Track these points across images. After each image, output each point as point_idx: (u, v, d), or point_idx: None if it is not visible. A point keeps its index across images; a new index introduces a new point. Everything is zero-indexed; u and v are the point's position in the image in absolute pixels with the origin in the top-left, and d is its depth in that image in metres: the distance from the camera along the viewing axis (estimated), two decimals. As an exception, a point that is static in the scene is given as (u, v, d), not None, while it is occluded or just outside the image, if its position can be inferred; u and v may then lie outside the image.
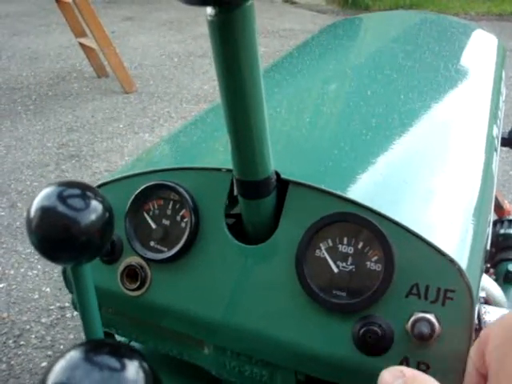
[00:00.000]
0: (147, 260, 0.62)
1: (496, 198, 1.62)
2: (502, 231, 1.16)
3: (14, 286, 2.42)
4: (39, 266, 2.53)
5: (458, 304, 0.51)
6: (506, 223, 1.18)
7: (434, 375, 0.48)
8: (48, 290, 2.38)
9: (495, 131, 0.83)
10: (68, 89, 4.89)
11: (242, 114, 0.47)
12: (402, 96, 0.80)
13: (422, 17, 1.28)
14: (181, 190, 0.61)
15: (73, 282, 0.44)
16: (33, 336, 2.14)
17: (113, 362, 0.32)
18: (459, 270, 0.51)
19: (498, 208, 1.62)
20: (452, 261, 0.51)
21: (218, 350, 0.62)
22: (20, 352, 2.08)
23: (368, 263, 0.54)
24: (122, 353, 0.32)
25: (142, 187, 0.63)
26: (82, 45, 4.95)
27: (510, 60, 4.78)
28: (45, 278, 2.45)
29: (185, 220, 0.61)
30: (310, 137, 0.69)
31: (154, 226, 0.63)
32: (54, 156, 3.58)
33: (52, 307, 2.28)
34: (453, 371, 0.51)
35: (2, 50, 6.29)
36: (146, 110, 4.24)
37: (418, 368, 0.51)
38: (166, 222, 0.62)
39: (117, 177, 0.67)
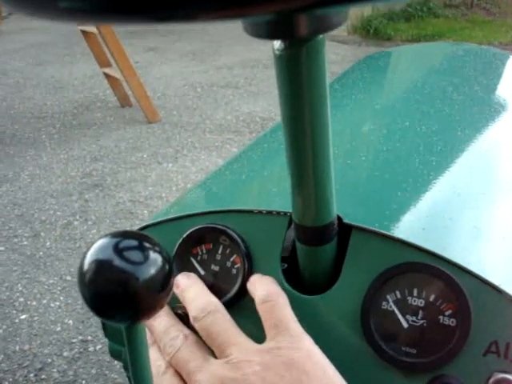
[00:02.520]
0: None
1: None
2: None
3: (36, 318, 2.38)
4: (62, 298, 2.50)
5: (545, 366, 0.46)
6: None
7: None
8: (70, 322, 2.34)
9: None
10: (92, 118, 4.93)
11: (309, 156, 0.43)
12: (459, 132, 0.76)
13: (464, 48, 1.25)
14: (232, 233, 0.57)
15: (126, 342, 0.40)
16: (54, 370, 2.10)
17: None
18: None
19: None
20: None
21: None
22: (41, 386, 2.04)
23: (441, 317, 0.49)
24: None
25: (190, 230, 0.59)
26: (106, 75, 5.00)
27: None
28: (67, 309, 2.42)
29: (236, 266, 0.57)
30: (368, 177, 0.65)
31: (202, 272, 0.59)
32: (77, 185, 3.58)
33: (74, 340, 2.24)
34: None
35: (26, 79, 6.37)
36: (170, 139, 4.24)
37: None
38: (215, 268, 0.58)
39: (161, 219, 0.63)
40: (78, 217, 3.18)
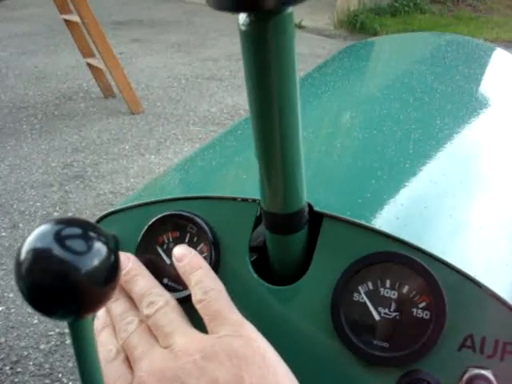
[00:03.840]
0: None
1: None
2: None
3: (12, 310, 2.35)
4: (40, 290, 2.46)
5: (520, 361, 0.44)
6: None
7: None
8: (48, 314, 2.31)
9: None
10: (74, 109, 4.87)
11: (276, 138, 0.41)
12: (438, 121, 0.73)
13: (446, 38, 1.23)
14: (199, 221, 0.55)
15: (71, 339, 0.37)
16: (31, 363, 2.07)
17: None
18: None
19: None
20: None
21: None
22: (17, 379, 2.00)
23: (415, 310, 0.47)
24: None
25: (156, 217, 0.56)
26: (89, 65, 4.94)
27: None
28: (45, 301, 2.38)
29: (203, 255, 0.55)
30: (342, 164, 0.63)
31: (168, 261, 0.56)
32: (58, 176, 3.53)
33: (51, 333, 2.21)
34: None
35: (9, 69, 6.29)
36: (153, 131, 4.19)
37: (474, 434, 0.44)
38: None
39: (127, 205, 0.60)
40: (57, 208, 3.14)
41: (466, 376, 0.44)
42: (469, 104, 0.83)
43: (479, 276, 0.46)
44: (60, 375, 2.00)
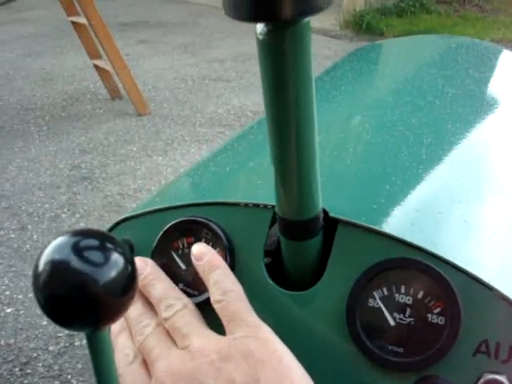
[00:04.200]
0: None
1: None
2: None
3: (22, 312, 2.36)
4: (48, 291, 2.47)
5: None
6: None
7: None
8: (57, 316, 2.32)
9: None
10: (81, 110, 4.89)
11: (293, 145, 0.41)
12: (450, 125, 0.74)
13: (455, 41, 1.23)
14: (214, 226, 0.55)
15: (89, 350, 0.37)
16: (40, 364, 2.08)
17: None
18: None
19: None
20: None
21: None
22: (26, 381, 2.02)
23: (429, 316, 0.47)
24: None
25: (171, 223, 0.56)
26: (96, 67, 4.96)
27: None
28: (54, 303, 2.39)
29: None
30: (356, 170, 0.63)
31: (183, 266, 0.57)
32: (65, 178, 3.54)
33: (60, 334, 2.22)
34: None
35: (16, 71, 6.31)
36: (160, 132, 4.20)
37: None
38: None
39: (141, 211, 0.61)
40: (65, 210, 3.15)
41: (481, 381, 0.45)
42: (480, 108, 0.84)
43: (493, 281, 0.47)
44: (69, 376, 2.01)
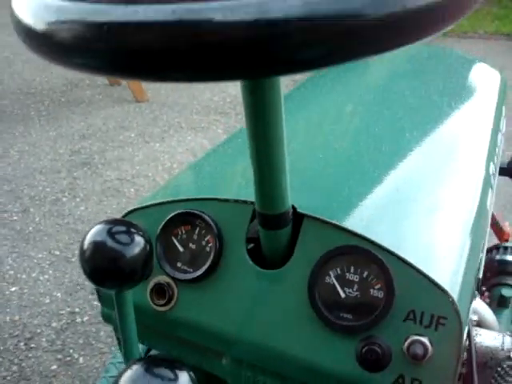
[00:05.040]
0: (174, 279, 0.70)
1: (497, 222, 1.71)
2: (497, 257, 1.24)
3: (25, 290, 2.49)
4: (50, 271, 2.60)
5: (448, 329, 0.58)
6: (501, 250, 1.25)
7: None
8: (59, 294, 2.45)
9: (491, 169, 0.90)
10: (80, 96, 4.99)
11: (266, 161, 0.55)
12: (407, 134, 0.87)
13: (427, 50, 1.36)
14: (206, 217, 0.69)
15: (115, 306, 0.52)
16: (43, 339, 2.21)
17: (167, 373, 0.39)
18: (451, 300, 0.59)
19: (499, 231, 1.70)
20: (445, 291, 0.59)
21: (235, 361, 0.69)
22: (31, 355, 2.15)
23: (371, 290, 0.61)
24: (174, 366, 0.40)
25: (172, 214, 0.70)
26: (95, 53, 5.06)
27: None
28: (56, 283, 2.52)
29: (209, 245, 0.69)
30: (323, 174, 0.77)
31: (181, 249, 0.70)
32: (66, 163, 3.67)
33: (62, 312, 2.35)
34: (443, 387, 0.58)
35: (15, 55, 6.38)
36: (157, 119, 4.32)
37: (413, 384, 0.59)
38: (192, 246, 0.70)
39: (148, 203, 0.74)
40: (66, 194, 3.28)
41: (408, 341, 0.59)
42: (437, 118, 0.97)
43: (421, 264, 0.60)
44: (71, 351, 2.15)
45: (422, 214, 0.72)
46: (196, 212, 0.69)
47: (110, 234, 0.47)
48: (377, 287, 0.61)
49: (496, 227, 1.69)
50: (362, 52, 0.33)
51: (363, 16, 0.30)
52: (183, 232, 0.71)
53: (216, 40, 0.31)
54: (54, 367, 2.08)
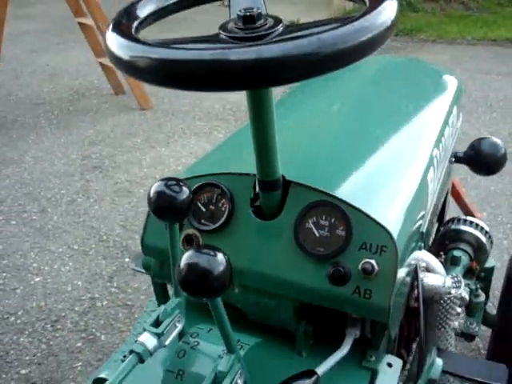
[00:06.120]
0: (199, 231, 0.97)
1: (465, 203, 2.02)
2: (453, 227, 1.50)
3: (49, 280, 2.75)
4: (71, 263, 2.87)
5: (388, 254, 0.86)
6: (456, 221, 1.52)
7: (375, 298, 0.83)
8: (80, 283, 2.72)
9: (435, 151, 1.19)
10: (88, 105, 5.27)
11: (264, 142, 0.83)
12: (373, 126, 1.17)
13: (397, 61, 1.65)
14: (223, 187, 0.96)
15: (169, 235, 0.80)
16: (68, 321, 2.48)
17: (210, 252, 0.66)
18: (390, 235, 0.86)
19: (468, 210, 2.03)
20: (386, 229, 0.87)
21: (244, 288, 0.97)
22: (57, 335, 2.41)
23: (337, 231, 0.89)
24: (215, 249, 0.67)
25: (196, 185, 0.98)
26: (101, 64, 5.33)
27: (478, 81, 5.10)
28: (76, 273, 2.79)
29: (224, 206, 0.96)
30: (305, 154, 1.06)
31: (204, 209, 0.98)
32: (78, 167, 3.94)
33: (84, 298, 2.62)
34: (385, 294, 0.85)
35: (23, 66, 6.65)
36: (162, 126, 4.61)
37: (365, 293, 0.86)
38: (211, 207, 0.97)
39: (182, 177, 1.02)
40: (80, 195, 3.55)
41: (362, 263, 0.86)
42: (396, 115, 1.26)
43: (372, 212, 0.88)
44: (94, 330, 2.41)
45: (377, 178, 1.00)
46: (214, 182, 0.97)
47: (167, 186, 0.75)
48: (340, 228, 0.89)
49: (465, 207, 2.02)
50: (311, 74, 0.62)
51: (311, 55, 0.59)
52: (205, 198, 0.98)
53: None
54: (79, 344, 2.35)
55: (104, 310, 2.53)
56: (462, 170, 3.39)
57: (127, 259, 2.87)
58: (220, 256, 0.66)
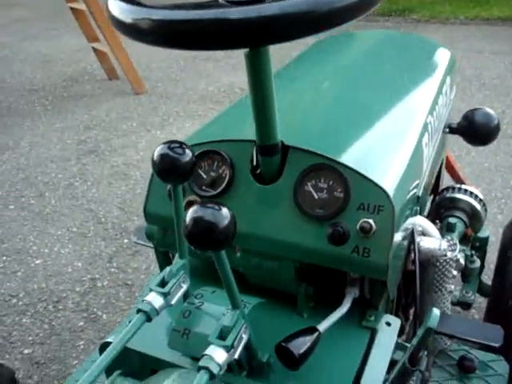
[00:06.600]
0: (201, 197, 0.99)
1: (459, 176, 2.06)
2: (448, 195, 1.53)
3: (49, 262, 2.78)
4: (70, 246, 2.90)
5: (385, 214, 0.88)
6: (450, 190, 1.55)
7: (373, 256, 0.86)
8: (80, 264, 2.75)
9: (429, 118, 1.22)
10: (82, 90, 5.27)
11: (263, 106, 0.85)
12: (367, 96, 1.19)
13: (391, 35, 1.67)
14: (223, 153, 0.99)
15: (172, 196, 0.82)
16: (69, 302, 2.51)
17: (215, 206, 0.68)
18: (387, 195, 0.89)
19: (459, 179, 2.09)
20: (383, 189, 0.89)
21: (246, 251, 0.99)
22: (59, 315, 2.44)
23: (335, 193, 0.91)
24: (219, 204, 0.69)
25: (198, 152, 1.00)
26: (94, 49, 5.32)
27: (471, 60, 5.13)
28: (76, 255, 2.82)
29: (225, 172, 0.99)
30: (304, 120, 1.08)
31: (205, 176, 1.00)
32: (74, 151, 3.95)
33: (84, 278, 2.65)
34: (383, 252, 0.88)
35: (14, 54, 6.64)
36: (157, 109, 4.62)
37: (363, 252, 0.89)
38: (212, 173, 1.00)
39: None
40: (77, 179, 3.57)
41: (360, 222, 0.88)
42: (391, 84, 1.28)
43: (368, 173, 0.91)
44: (95, 309, 2.44)
45: (373, 142, 1.03)
46: (215, 150, 0.99)
47: (171, 148, 0.77)
48: (338, 190, 0.91)
49: (457, 177, 2.07)
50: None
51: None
52: (206, 165, 1.00)
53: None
54: (81, 324, 2.37)
55: (105, 289, 2.56)
56: (456, 146, 3.44)
57: (126, 240, 2.89)
58: (225, 210, 0.67)
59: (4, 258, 2.82)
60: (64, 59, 6.33)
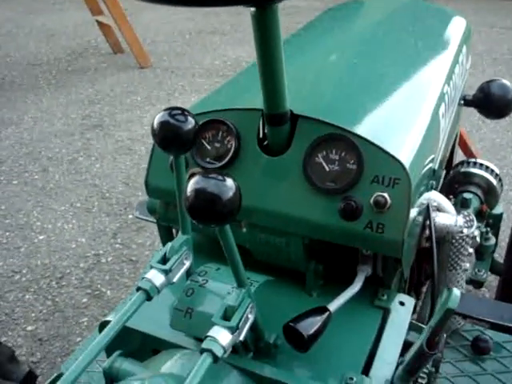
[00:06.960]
0: (205, 169, 0.94)
1: (472, 152, 1.99)
2: (462, 170, 1.47)
3: (52, 238, 2.74)
4: (74, 221, 2.86)
5: (401, 187, 0.83)
6: (465, 164, 1.49)
7: (388, 232, 0.80)
8: (83, 240, 2.71)
9: (446, 88, 1.15)
10: (86, 64, 5.20)
11: (270, 77, 0.79)
12: (381, 64, 1.12)
13: (403, 2, 1.60)
14: (228, 123, 0.93)
15: (174, 168, 0.76)
16: (73, 278, 2.48)
17: (219, 177, 0.62)
18: (404, 167, 0.83)
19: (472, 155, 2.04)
20: (399, 161, 0.83)
21: (252, 227, 0.94)
22: (63, 291, 2.41)
23: (348, 165, 0.86)
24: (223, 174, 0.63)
25: (202, 122, 0.94)
26: (98, 22, 5.24)
27: (482, 34, 5.05)
28: (80, 230, 2.78)
29: (230, 143, 0.93)
30: (315, 88, 1.02)
31: (209, 147, 0.95)
32: (78, 126, 3.90)
33: (88, 254, 2.61)
34: (399, 228, 0.83)
35: (19, 28, 6.56)
36: (162, 83, 4.55)
37: (377, 228, 0.83)
38: (217, 144, 0.94)
39: None
40: (81, 153, 3.52)
41: (374, 196, 0.83)
42: (406, 52, 1.22)
43: (384, 145, 0.85)
44: (99, 286, 2.41)
45: (388, 112, 0.97)
46: (220, 119, 0.94)
47: (172, 115, 0.71)
48: (351, 162, 0.85)
49: (467, 150, 2.01)
50: None
51: None
52: (210, 135, 0.95)
53: None
54: (85, 300, 2.34)
55: (109, 265, 2.53)
56: (468, 123, 3.36)
57: (130, 216, 2.85)
58: (229, 181, 0.61)
59: (7, 233, 2.79)
60: (68, 33, 6.25)
